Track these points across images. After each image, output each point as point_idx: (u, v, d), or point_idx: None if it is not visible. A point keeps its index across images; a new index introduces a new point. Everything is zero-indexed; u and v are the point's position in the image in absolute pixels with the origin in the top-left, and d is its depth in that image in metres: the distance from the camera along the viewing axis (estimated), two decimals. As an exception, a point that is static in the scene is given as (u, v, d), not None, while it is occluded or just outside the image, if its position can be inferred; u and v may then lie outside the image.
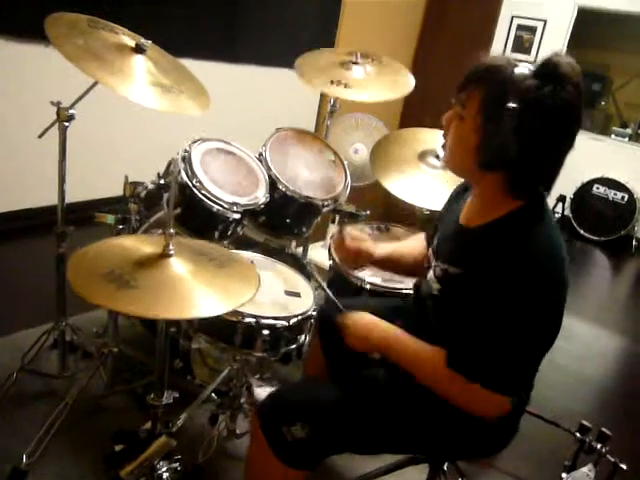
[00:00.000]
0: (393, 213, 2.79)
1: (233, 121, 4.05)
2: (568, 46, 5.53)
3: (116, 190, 2.02)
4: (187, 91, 1.78)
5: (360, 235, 1.70)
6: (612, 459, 1.91)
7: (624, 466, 1.88)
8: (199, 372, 2.20)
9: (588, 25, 5.45)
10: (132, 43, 1.73)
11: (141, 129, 3.66)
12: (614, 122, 5.64)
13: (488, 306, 1.18)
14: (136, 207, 1.95)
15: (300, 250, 2.86)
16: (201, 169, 1.91)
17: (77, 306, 2.29)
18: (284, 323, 1.68)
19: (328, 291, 1.64)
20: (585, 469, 1.90)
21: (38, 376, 2.16)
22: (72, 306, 2.18)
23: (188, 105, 1.76)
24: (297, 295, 1.84)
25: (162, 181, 1.93)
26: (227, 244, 2.06)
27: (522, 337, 1.18)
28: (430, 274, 1.40)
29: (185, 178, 1.86)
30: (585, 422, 2.26)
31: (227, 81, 4.19)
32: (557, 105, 1.13)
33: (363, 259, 1.67)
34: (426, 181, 2.41)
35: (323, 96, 5.20)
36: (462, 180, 1.53)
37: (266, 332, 1.65)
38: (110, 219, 1.94)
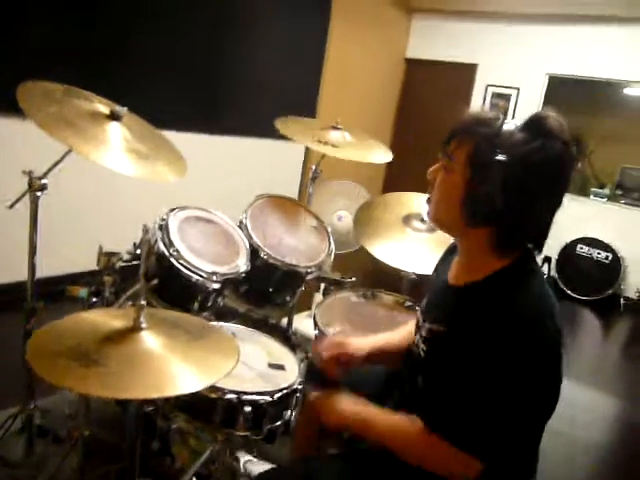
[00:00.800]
0: (379, 279, 2.72)
1: (215, 190, 4.06)
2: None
3: (92, 263, 1.94)
4: (164, 158, 1.74)
5: (335, 342, 1.52)
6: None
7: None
8: (179, 454, 2.04)
9: (560, 91, 5.63)
10: (107, 110, 1.70)
11: (118, 198, 3.63)
12: (591, 183, 5.75)
13: (472, 366, 1.12)
14: (110, 279, 1.86)
15: (285, 321, 2.77)
16: (179, 237, 1.84)
17: (48, 386, 2.15)
18: (268, 398, 1.57)
19: None
20: None
21: (3, 464, 1.99)
22: (42, 386, 2.04)
23: (164, 172, 1.71)
24: (281, 368, 1.73)
25: (138, 251, 1.85)
26: (207, 315, 1.97)
27: (508, 402, 1.11)
28: (418, 336, 1.35)
29: (162, 247, 1.79)
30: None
31: (209, 151, 4.23)
32: (544, 161, 1.11)
33: (347, 363, 1.50)
34: (411, 245, 2.37)
35: (306, 164, 5.27)
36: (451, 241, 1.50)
37: (248, 409, 1.54)
38: (82, 292, 1.84)
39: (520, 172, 1.11)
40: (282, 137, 4.96)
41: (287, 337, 2.30)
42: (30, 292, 1.87)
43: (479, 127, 1.17)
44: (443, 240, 2.38)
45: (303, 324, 3.01)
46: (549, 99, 5.66)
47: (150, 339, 1.11)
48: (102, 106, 1.73)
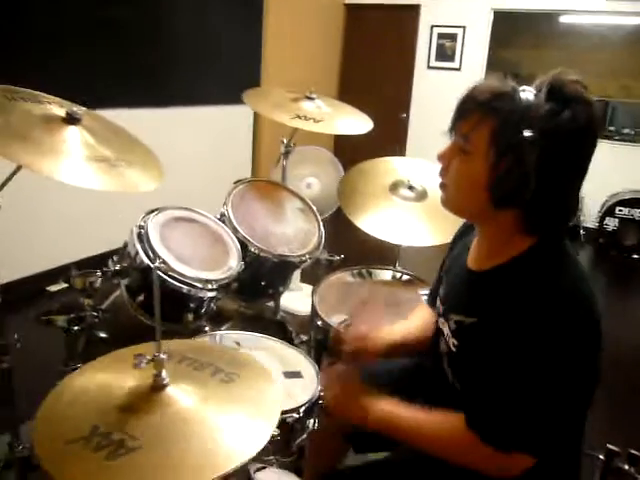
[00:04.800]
0: (367, 252, 2.58)
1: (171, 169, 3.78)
2: (490, 48, 5.57)
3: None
4: (135, 161, 1.51)
5: (356, 336, 1.47)
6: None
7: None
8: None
9: (505, 27, 5.50)
10: (62, 112, 1.44)
11: (75, 209, 3.32)
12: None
13: (512, 355, 1.03)
14: (90, 301, 1.64)
15: (271, 304, 2.60)
16: (163, 246, 1.63)
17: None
18: (294, 415, 1.42)
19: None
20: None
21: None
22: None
23: (139, 178, 1.48)
24: (298, 375, 1.58)
25: (117, 267, 1.63)
26: (202, 323, 1.79)
27: (555, 389, 1.02)
28: (446, 330, 1.24)
29: (146, 260, 1.58)
30: (611, 446, 2.10)
31: (153, 127, 3.90)
32: (577, 131, 1.01)
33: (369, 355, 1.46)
34: (400, 215, 2.24)
35: (256, 127, 5.01)
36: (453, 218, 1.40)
37: (275, 432, 1.39)
38: (62, 321, 1.62)
39: (555, 147, 1.01)
40: (228, 102, 4.64)
41: (285, 329, 2.14)
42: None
43: (499, 102, 1.04)
44: (434, 208, 2.28)
45: (289, 299, 2.83)
46: (496, 36, 5.54)
47: (180, 395, 0.93)
48: (55, 107, 1.47)
